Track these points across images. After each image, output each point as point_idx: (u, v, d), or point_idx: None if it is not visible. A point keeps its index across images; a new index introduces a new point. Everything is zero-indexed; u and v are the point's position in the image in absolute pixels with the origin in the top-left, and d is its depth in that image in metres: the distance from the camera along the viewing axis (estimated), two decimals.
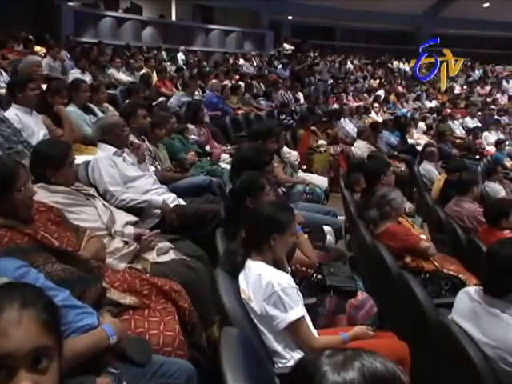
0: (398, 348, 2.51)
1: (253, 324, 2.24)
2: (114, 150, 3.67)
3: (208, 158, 5.30)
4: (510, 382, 2.11)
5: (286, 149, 5.49)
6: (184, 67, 12.25)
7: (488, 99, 16.36)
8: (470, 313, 2.34)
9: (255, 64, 15.78)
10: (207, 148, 5.79)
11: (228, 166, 4.58)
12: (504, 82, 19.39)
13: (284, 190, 4.52)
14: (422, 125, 11.43)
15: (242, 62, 15.46)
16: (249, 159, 3.60)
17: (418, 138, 10.33)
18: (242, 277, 2.34)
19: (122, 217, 3.04)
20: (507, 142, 10.79)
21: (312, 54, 18.80)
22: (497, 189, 6.42)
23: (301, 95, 12.15)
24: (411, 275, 2.95)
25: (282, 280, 2.24)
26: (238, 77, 12.28)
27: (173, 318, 2.29)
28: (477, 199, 4.96)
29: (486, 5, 21.19)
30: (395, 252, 3.50)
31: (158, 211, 3.60)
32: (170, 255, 2.91)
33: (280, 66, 15.34)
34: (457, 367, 2.33)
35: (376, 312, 2.91)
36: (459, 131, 12.07)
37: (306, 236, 2.98)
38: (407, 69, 20.18)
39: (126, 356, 1.92)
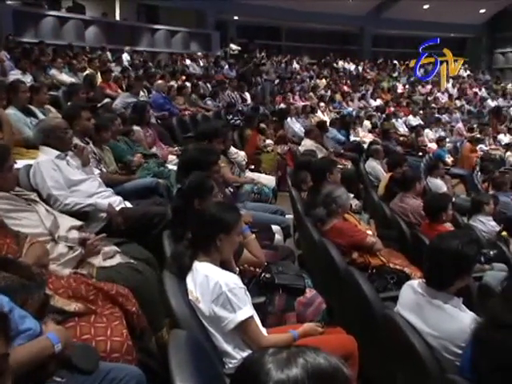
0: (346, 342, 2.56)
1: (201, 325, 2.23)
2: (57, 153, 3.58)
3: (154, 160, 5.23)
4: (452, 370, 2.18)
5: (233, 149, 5.49)
6: (129, 68, 12.07)
7: (429, 98, 16.85)
8: (413, 305, 2.40)
9: (202, 64, 15.71)
10: (154, 149, 5.72)
11: (175, 168, 4.54)
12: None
13: (232, 190, 4.52)
14: (367, 123, 11.65)
15: (188, 62, 15.35)
16: (195, 160, 3.58)
17: (364, 136, 10.53)
18: (189, 278, 2.33)
19: (66, 221, 2.97)
20: (448, 139, 11.18)
21: (258, 54, 18.89)
22: (438, 184, 6.64)
23: (248, 95, 12.19)
24: (358, 271, 3.02)
25: (230, 280, 2.24)
26: (184, 77, 12.20)
27: (120, 322, 2.26)
28: (420, 195, 5.11)
29: (426, 6, 21.81)
30: (342, 248, 3.56)
31: (103, 215, 3.53)
32: (117, 259, 2.87)
33: (227, 67, 15.35)
34: (402, 358, 2.40)
35: (325, 308, 2.96)
36: (402, 129, 12.38)
37: (254, 236, 2.98)
38: (352, 68, 20.55)
39: (72, 364, 1.88)
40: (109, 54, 13.77)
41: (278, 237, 4.05)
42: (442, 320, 2.27)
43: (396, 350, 2.47)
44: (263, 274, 2.90)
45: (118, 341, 2.14)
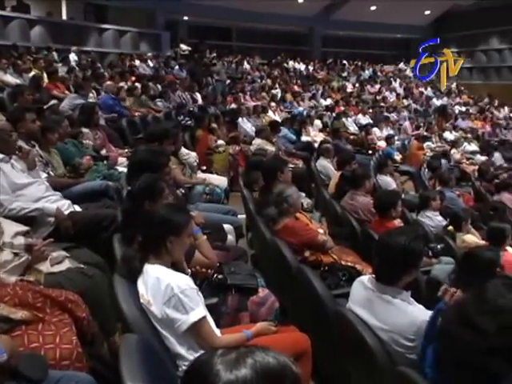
0: (299, 340, 2.58)
1: (154, 329, 2.21)
2: (1, 156, 3.47)
3: (105, 162, 5.14)
4: (403, 362, 2.23)
5: (184, 150, 5.45)
6: (77, 68, 11.80)
7: (378, 97, 17.19)
8: (364, 300, 2.45)
9: (152, 65, 15.51)
10: (103, 152, 5.62)
11: (126, 170, 4.47)
12: (393, 81, 20.48)
13: (183, 191, 4.48)
14: (317, 122, 11.77)
15: (138, 63, 15.13)
16: (145, 162, 3.55)
17: (315, 135, 10.63)
18: (140, 281, 2.30)
19: (11, 227, 2.87)
20: (396, 137, 11.44)
21: (209, 55, 18.82)
22: (388, 181, 6.78)
23: (198, 96, 12.12)
24: (310, 269, 3.05)
25: (181, 282, 2.22)
26: (134, 78, 12.02)
27: (70, 329, 2.21)
28: (369, 192, 5.21)
29: (373, 8, 22.22)
30: (294, 247, 3.59)
31: (51, 219, 3.45)
32: (66, 264, 2.80)
33: (177, 67, 15.21)
34: (354, 352, 2.44)
35: (278, 307, 2.97)
36: (353, 128, 12.57)
37: (205, 237, 2.98)
38: (302, 68, 20.74)
39: (20, 374, 1.83)
40: (55, 54, 13.44)
41: (231, 237, 4.05)
42: (391, 314, 2.33)
43: (348, 346, 2.51)
44: (215, 275, 2.89)
45: (67, 348, 2.10)
